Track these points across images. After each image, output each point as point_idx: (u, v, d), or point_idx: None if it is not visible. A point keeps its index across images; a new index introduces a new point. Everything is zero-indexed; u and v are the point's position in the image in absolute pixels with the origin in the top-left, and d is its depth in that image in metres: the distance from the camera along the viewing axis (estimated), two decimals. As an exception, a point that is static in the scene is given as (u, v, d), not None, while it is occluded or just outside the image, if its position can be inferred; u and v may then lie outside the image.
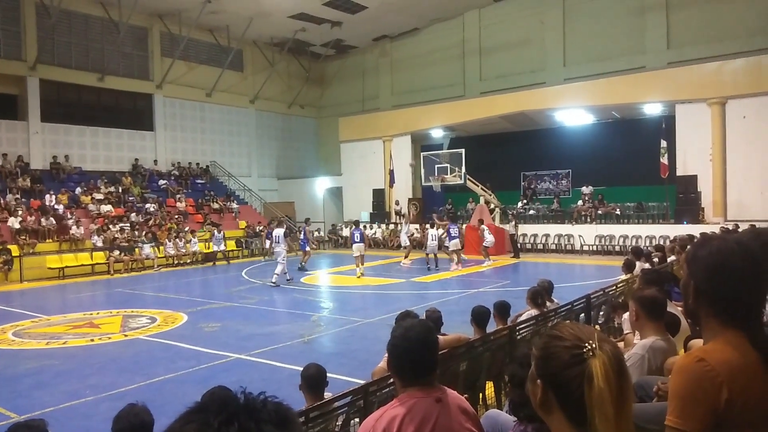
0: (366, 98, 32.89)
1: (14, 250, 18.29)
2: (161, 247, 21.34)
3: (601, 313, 7.55)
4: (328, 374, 4.19)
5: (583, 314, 7.01)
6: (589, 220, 22.94)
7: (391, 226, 27.63)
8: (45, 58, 23.50)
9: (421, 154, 25.79)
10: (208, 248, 22.41)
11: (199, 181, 28.40)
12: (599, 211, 23.05)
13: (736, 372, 1.42)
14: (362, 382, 4.29)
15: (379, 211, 28.91)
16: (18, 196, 21.06)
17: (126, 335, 10.04)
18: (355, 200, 30.18)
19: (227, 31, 28.46)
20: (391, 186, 27.90)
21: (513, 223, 22.13)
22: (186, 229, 23.10)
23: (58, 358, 8.59)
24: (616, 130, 24.59)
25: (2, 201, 20.46)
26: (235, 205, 27.74)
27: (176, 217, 24.19)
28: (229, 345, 8.96)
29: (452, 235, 18.80)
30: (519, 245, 22.02)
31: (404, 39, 31.07)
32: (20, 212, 20.01)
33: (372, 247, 26.84)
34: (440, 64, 29.64)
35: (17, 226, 19.37)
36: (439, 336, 4.92)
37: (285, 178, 33.24)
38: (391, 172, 27.18)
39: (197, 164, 29.15)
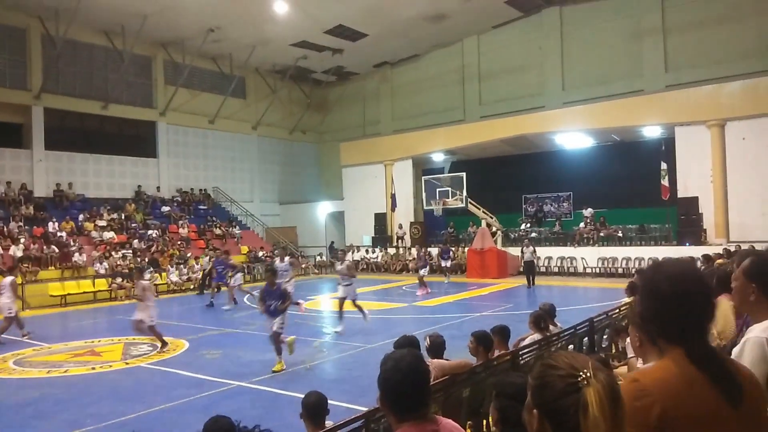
0: (367, 123, 33.18)
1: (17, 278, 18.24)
2: (164, 274, 21.31)
3: (605, 336, 7.50)
4: (330, 401, 4.16)
5: (586, 338, 6.97)
6: (591, 242, 22.91)
7: (392, 251, 27.65)
8: (50, 87, 23.80)
9: (423, 177, 25.92)
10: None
11: (201, 207, 28.51)
12: (601, 234, 23.04)
13: (671, 388, 1.50)
14: (364, 409, 4.26)
15: (381, 235, 28.92)
16: (21, 223, 21.13)
17: (127, 363, 9.98)
18: (357, 224, 30.23)
19: (230, 59, 28.84)
20: (392, 210, 27.97)
21: (531, 249, 19.85)
22: (188, 255, 23.10)
23: (59, 387, 8.53)
24: (616, 152, 24.71)
25: (5, 229, 20.52)
26: (237, 231, 27.79)
27: (179, 243, 24.22)
28: (230, 372, 8.90)
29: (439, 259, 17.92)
30: (533, 271, 19.67)
31: (404, 65, 31.44)
32: (23, 240, 20.06)
33: (374, 271, 26.84)
34: (440, 89, 29.95)
35: (20, 253, 19.39)
36: (443, 360, 4.90)
37: (287, 203, 33.35)
38: (393, 197, 27.28)
39: (200, 190, 29.31)
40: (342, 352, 10.32)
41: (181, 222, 25.97)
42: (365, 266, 27.25)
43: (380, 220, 29.33)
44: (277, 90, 31.94)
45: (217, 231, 26.72)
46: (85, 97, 24.93)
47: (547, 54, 26.50)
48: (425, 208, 25.71)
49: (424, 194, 24.97)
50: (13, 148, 23.35)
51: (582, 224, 23.98)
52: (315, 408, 3.98)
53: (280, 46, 27.97)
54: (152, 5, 22.61)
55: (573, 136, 24.47)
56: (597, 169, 24.77)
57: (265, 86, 32.06)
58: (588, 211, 24.08)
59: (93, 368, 9.63)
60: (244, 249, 26.19)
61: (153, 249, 22.92)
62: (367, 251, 28.37)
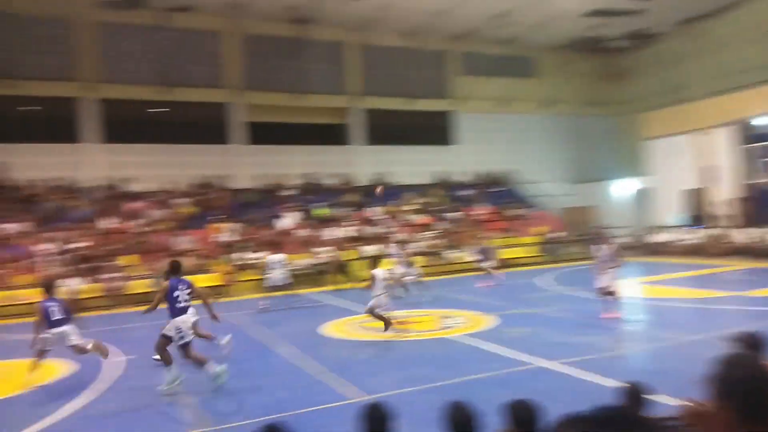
0: (672, 89, 29.65)
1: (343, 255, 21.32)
2: (462, 254, 22.69)
3: None
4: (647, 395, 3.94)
5: None
6: None
7: (710, 230, 24.28)
8: (367, 89, 27.51)
9: (746, 146, 22.03)
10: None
11: (497, 189, 29.42)
12: None
13: None
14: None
15: (693, 213, 25.69)
16: (347, 209, 24.91)
17: (441, 333, 11.01)
18: (664, 202, 27.50)
19: (518, 40, 28.98)
20: (708, 185, 24.58)
21: None
22: (483, 235, 24.15)
23: (388, 350, 9.91)
24: None
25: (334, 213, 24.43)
26: (530, 211, 27.92)
27: (476, 224, 25.50)
28: (534, 351, 9.04)
29: None
30: None
31: (718, 17, 27.09)
32: (348, 223, 23.67)
33: (691, 254, 23.91)
34: (764, 41, 24.96)
35: (345, 234, 22.93)
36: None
37: (582, 182, 32.06)
38: (709, 169, 23.96)
39: (495, 173, 30.27)
40: (653, 342, 9.62)
41: (478, 204, 27.29)
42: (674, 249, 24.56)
43: (693, 196, 26.04)
44: (568, 64, 30.88)
45: (512, 212, 27.21)
46: (392, 95, 28.12)
47: None
48: (749, 182, 21.89)
49: (748, 165, 21.28)
50: (337, 145, 27.68)
51: None
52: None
53: (569, 20, 26.95)
54: (445, 2, 24.09)
55: None
56: None
57: (555, 62, 31.38)
58: None
59: (413, 335, 10.88)
60: (538, 230, 25.99)
61: (454, 230, 24.59)
62: (677, 232, 25.52)
